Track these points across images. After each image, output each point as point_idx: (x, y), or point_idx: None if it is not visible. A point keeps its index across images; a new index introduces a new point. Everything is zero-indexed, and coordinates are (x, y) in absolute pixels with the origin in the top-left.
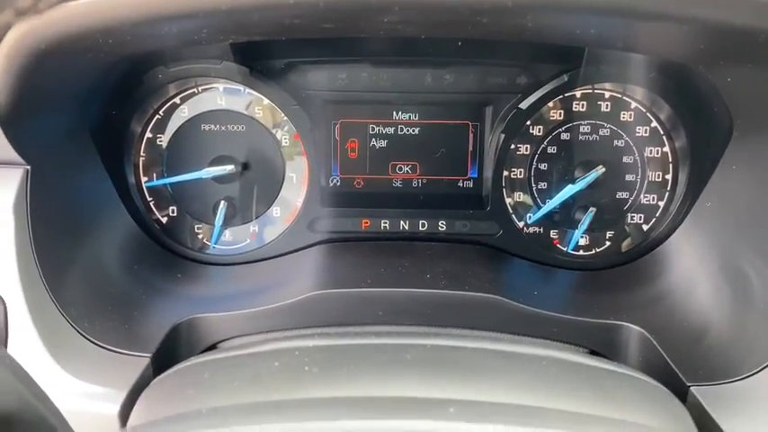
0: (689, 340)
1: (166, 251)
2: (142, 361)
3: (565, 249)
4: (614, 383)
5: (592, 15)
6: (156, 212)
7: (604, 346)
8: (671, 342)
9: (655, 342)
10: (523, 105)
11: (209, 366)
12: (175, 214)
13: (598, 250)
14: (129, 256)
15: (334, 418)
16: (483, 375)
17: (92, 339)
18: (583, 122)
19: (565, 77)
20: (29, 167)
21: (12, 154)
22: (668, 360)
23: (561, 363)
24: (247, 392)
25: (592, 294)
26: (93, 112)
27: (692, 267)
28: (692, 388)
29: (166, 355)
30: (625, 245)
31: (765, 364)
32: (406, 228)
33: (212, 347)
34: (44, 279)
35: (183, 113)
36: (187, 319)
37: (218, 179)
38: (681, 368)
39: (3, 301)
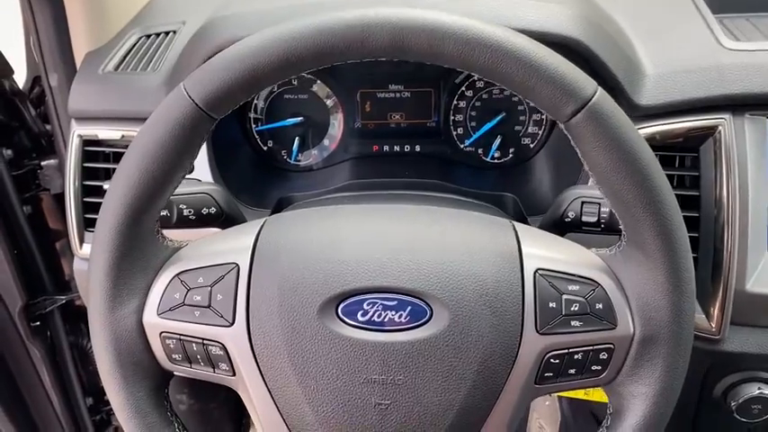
0: (533, 203)
1: (269, 164)
2: (267, 212)
3: (486, 159)
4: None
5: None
6: (261, 144)
7: (497, 205)
8: (526, 203)
9: (518, 202)
10: (457, 81)
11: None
12: (272, 145)
13: (505, 159)
14: (252, 166)
15: None
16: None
17: (242, 203)
18: (494, 87)
19: None
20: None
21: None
22: (521, 207)
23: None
24: None
25: (497, 181)
26: None
27: (542, 168)
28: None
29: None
30: (519, 155)
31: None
32: (398, 149)
33: None
34: (222, 178)
35: (273, 89)
36: (285, 196)
37: (293, 125)
38: (526, 210)
39: (215, 191)
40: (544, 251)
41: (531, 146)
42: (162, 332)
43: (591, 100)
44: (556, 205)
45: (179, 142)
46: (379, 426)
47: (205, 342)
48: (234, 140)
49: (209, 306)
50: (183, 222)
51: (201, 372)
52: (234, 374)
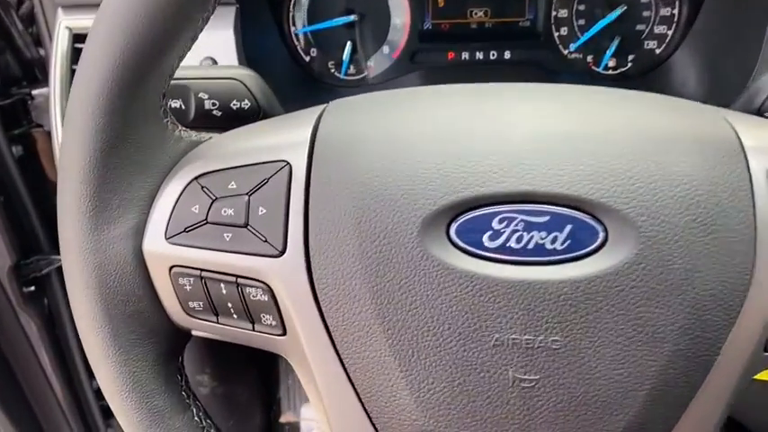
0: None
1: (313, 79)
2: None
3: (597, 69)
4: None
5: None
6: (302, 53)
7: None
8: None
9: None
10: None
11: None
12: (315, 54)
13: (622, 69)
14: (292, 81)
15: None
16: None
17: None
18: None
19: None
20: (238, 6)
21: None
22: None
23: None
24: None
25: None
26: None
27: (683, 72)
28: None
29: None
30: (641, 64)
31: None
32: (481, 57)
33: None
34: None
35: None
36: None
37: (344, 26)
38: None
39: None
40: None
41: (658, 51)
42: (173, 267)
43: None
44: (749, 95)
45: None
46: (520, 416)
47: (240, 281)
48: (269, 48)
49: (245, 225)
50: (204, 119)
51: (234, 330)
52: (284, 333)
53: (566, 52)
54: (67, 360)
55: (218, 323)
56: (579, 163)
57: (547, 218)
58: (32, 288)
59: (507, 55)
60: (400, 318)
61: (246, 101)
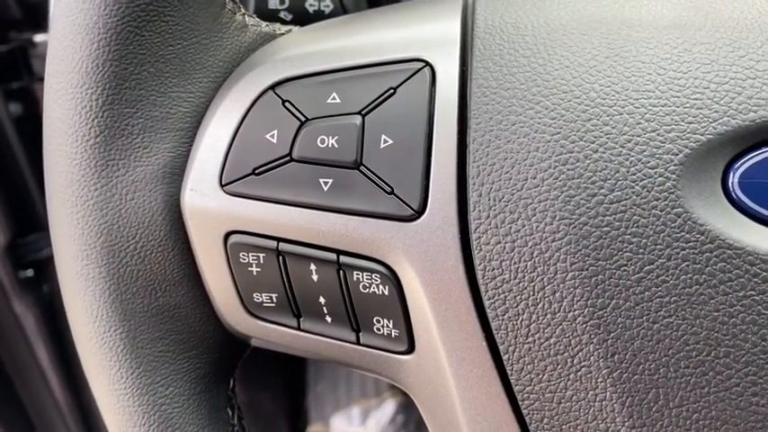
0: None
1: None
2: None
3: None
4: None
5: None
6: None
7: None
8: None
9: None
10: None
11: None
12: None
13: None
14: None
15: None
16: None
17: None
18: None
19: None
20: None
21: None
22: None
23: None
24: None
25: None
26: None
27: None
28: None
29: None
30: None
31: None
32: None
33: None
34: None
35: None
36: None
37: None
38: None
39: None
40: None
41: None
42: (231, 233)
43: None
44: None
45: None
46: None
47: (344, 261)
48: None
49: (357, 164)
50: (267, 19)
51: (324, 341)
52: (409, 349)
53: None
54: (69, 357)
55: (298, 329)
56: None
57: None
58: (30, 272)
59: None
60: (638, 334)
61: (328, 1)
